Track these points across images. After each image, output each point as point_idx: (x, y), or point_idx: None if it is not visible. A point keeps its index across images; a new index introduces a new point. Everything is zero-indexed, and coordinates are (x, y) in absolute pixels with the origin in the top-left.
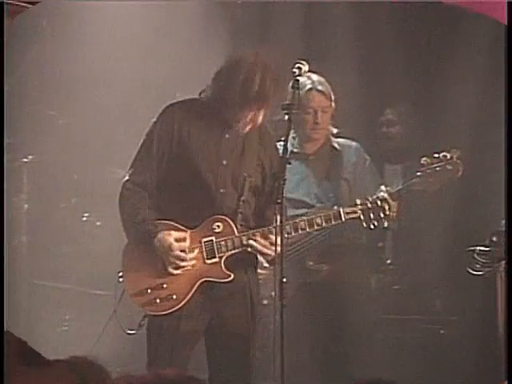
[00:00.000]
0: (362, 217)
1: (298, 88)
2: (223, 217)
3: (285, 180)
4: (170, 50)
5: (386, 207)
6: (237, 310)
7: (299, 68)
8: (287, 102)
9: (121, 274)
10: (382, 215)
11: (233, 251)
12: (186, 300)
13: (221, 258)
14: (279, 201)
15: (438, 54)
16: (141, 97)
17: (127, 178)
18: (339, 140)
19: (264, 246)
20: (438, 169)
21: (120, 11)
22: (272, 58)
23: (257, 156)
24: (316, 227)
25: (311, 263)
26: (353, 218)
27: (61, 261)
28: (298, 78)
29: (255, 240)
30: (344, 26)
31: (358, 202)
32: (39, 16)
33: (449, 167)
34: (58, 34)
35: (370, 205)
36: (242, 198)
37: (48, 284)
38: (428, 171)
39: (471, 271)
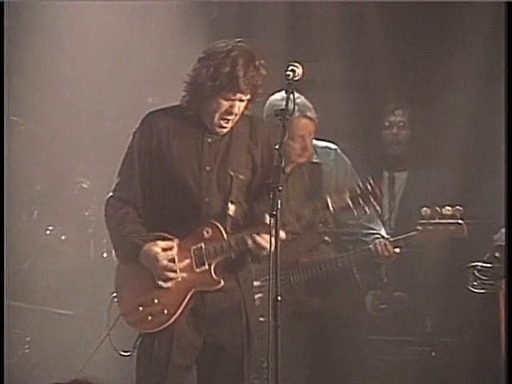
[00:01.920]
0: (351, 204)
1: (292, 92)
2: (213, 222)
3: (280, 190)
4: (143, 53)
5: (377, 190)
6: (231, 331)
7: (293, 71)
8: (281, 108)
9: (115, 294)
10: (372, 199)
11: (222, 256)
12: (177, 314)
13: (210, 264)
14: (274, 213)
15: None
16: (110, 103)
17: (111, 194)
18: (317, 145)
19: (257, 243)
20: (441, 228)
21: (89, 13)
22: (252, 44)
23: (247, 151)
24: (303, 219)
25: (303, 297)
26: (342, 207)
27: (22, 278)
28: (291, 81)
29: (248, 237)
30: (331, 25)
31: (346, 190)
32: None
33: (452, 228)
34: (21, 36)
35: (359, 191)
36: (231, 199)
37: (7, 303)
38: (429, 227)
39: (472, 289)
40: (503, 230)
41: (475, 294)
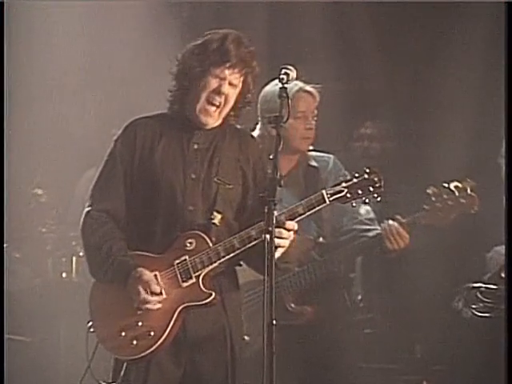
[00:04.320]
0: (348, 195)
1: (286, 97)
2: (195, 232)
3: (275, 204)
4: (118, 55)
5: (376, 178)
6: (215, 359)
7: (286, 74)
8: (275, 114)
9: (90, 323)
10: (371, 189)
11: (210, 266)
12: (166, 334)
13: (198, 277)
14: (270, 229)
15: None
16: (72, 110)
17: (90, 205)
18: (313, 154)
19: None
20: (450, 203)
21: (64, 15)
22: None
23: (236, 164)
24: (298, 217)
25: (293, 305)
26: (338, 198)
27: None
28: (285, 85)
29: (239, 243)
30: (312, 26)
31: (342, 179)
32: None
33: (462, 201)
34: None
35: (355, 179)
36: (216, 208)
37: None
38: (437, 204)
39: (475, 312)
40: (496, 248)
41: (473, 316)
